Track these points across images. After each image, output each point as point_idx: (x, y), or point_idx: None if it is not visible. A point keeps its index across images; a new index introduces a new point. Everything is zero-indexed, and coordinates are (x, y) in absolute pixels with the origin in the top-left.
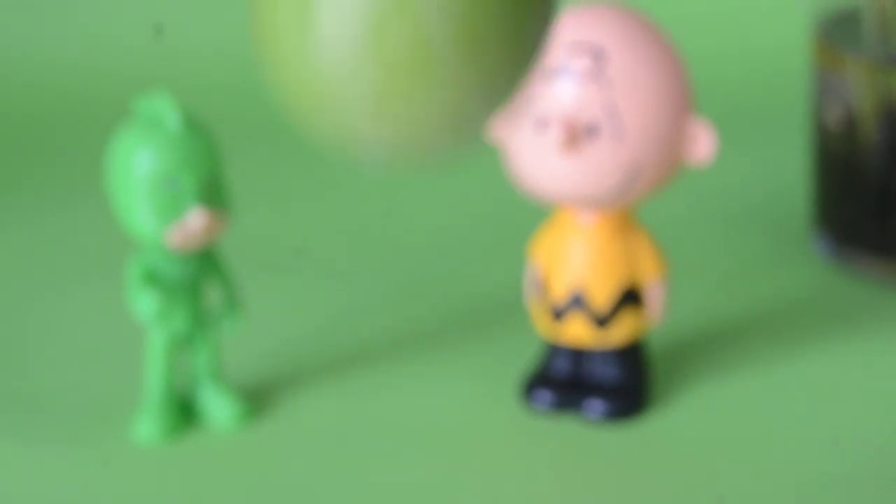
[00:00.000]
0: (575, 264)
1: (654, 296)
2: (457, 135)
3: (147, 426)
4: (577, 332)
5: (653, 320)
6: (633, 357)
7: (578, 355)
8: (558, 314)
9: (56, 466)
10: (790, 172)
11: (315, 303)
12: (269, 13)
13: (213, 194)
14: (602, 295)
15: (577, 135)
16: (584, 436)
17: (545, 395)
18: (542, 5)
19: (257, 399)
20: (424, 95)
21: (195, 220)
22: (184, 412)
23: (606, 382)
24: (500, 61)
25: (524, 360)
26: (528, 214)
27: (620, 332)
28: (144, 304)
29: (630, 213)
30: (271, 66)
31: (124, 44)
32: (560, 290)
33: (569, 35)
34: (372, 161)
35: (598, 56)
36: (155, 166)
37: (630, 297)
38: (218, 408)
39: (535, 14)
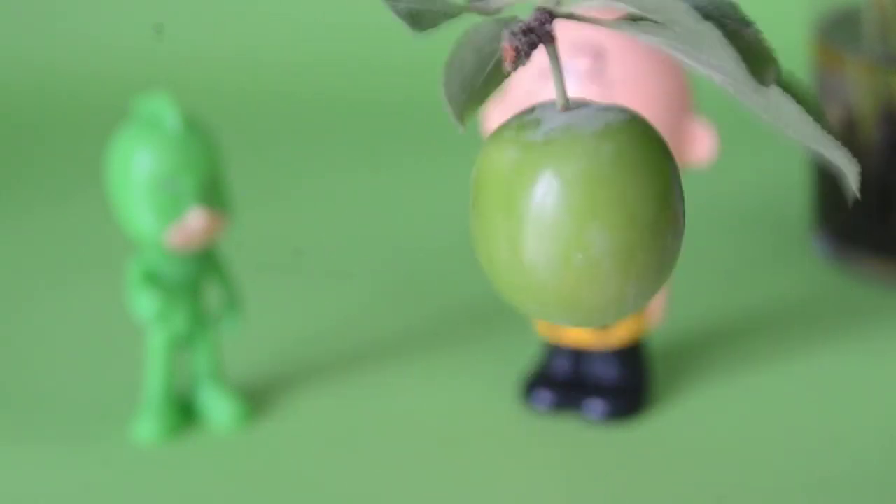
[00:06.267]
0: None
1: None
2: (618, 314)
3: (147, 426)
4: (578, 332)
5: (653, 320)
6: (633, 357)
7: (578, 355)
8: None
9: (56, 466)
10: (790, 173)
11: (315, 303)
12: (486, 238)
13: (213, 194)
14: None
15: None
16: (584, 436)
17: (545, 395)
18: (675, 226)
19: (257, 399)
20: (595, 296)
21: (195, 220)
22: (184, 412)
23: (606, 382)
24: (648, 267)
25: (524, 360)
26: None
27: (620, 333)
28: (144, 304)
29: None
30: (490, 270)
31: (124, 45)
32: None
33: (569, 35)
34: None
35: (598, 56)
36: (154, 167)
37: None
38: (218, 408)
39: (672, 232)
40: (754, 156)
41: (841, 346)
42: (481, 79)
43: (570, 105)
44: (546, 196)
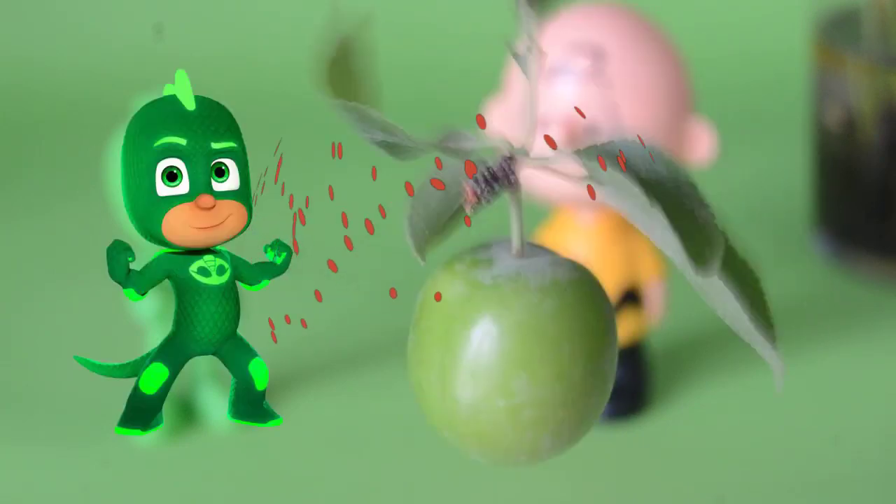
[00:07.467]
0: None
1: (655, 296)
2: (530, 461)
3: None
4: None
5: (653, 320)
6: (633, 357)
7: None
8: None
9: (56, 466)
10: (790, 173)
11: (315, 303)
12: (420, 363)
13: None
14: None
15: (577, 135)
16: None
17: None
18: (602, 386)
19: None
20: (509, 442)
21: None
22: (184, 412)
23: None
24: (567, 423)
25: None
26: (529, 214)
27: (621, 333)
28: (144, 304)
29: None
30: (417, 393)
31: (124, 45)
32: None
33: (569, 35)
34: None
35: (598, 56)
36: None
37: (630, 297)
38: (218, 408)
39: (599, 391)
40: (754, 156)
41: (841, 346)
42: (447, 215)
43: (525, 250)
44: (483, 338)
